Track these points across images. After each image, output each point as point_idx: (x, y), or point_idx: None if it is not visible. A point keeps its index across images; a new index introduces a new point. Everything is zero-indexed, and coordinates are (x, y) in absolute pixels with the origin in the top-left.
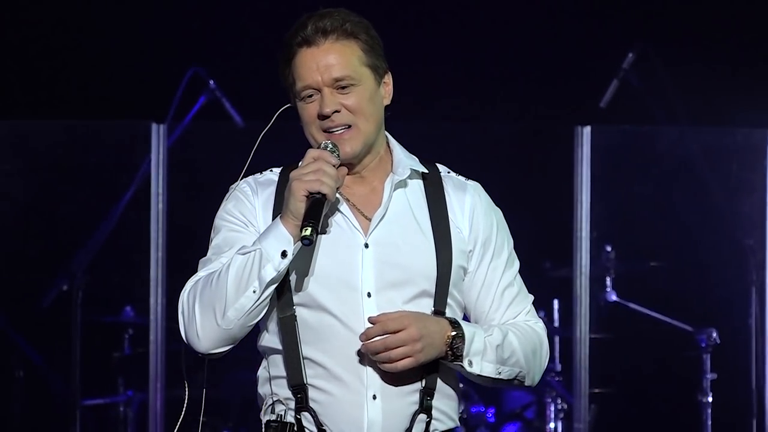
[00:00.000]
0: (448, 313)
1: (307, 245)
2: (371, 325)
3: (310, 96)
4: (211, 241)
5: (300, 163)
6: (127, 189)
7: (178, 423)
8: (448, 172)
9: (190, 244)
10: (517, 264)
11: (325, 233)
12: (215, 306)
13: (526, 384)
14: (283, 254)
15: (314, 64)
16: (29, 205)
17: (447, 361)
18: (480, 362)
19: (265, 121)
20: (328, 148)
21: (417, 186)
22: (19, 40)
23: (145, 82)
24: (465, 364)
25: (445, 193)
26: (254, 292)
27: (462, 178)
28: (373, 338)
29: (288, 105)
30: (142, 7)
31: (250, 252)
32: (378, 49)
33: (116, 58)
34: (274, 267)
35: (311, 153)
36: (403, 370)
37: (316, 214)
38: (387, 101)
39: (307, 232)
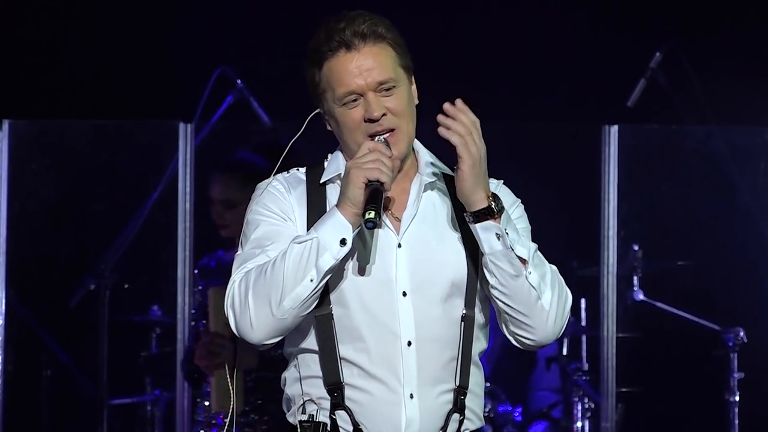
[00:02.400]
0: (476, 312)
1: (371, 228)
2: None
3: (354, 101)
4: (247, 236)
5: (356, 155)
6: (155, 188)
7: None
8: None
9: (217, 244)
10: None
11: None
12: (270, 296)
13: (546, 317)
14: (342, 242)
15: (356, 68)
16: (57, 205)
17: (482, 210)
18: (516, 243)
19: (293, 121)
20: (381, 141)
21: (442, 186)
22: (48, 40)
23: (172, 82)
24: (502, 226)
25: None
26: (311, 280)
27: None
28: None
29: (317, 110)
30: (170, 7)
31: (306, 241)
32: (406, 49)
33: (144, 57)
34: (332, 255)
35: (367, 144)
36: (456, 138)
37: (377, 199)
38: (416, 100)
39: (372, 214)
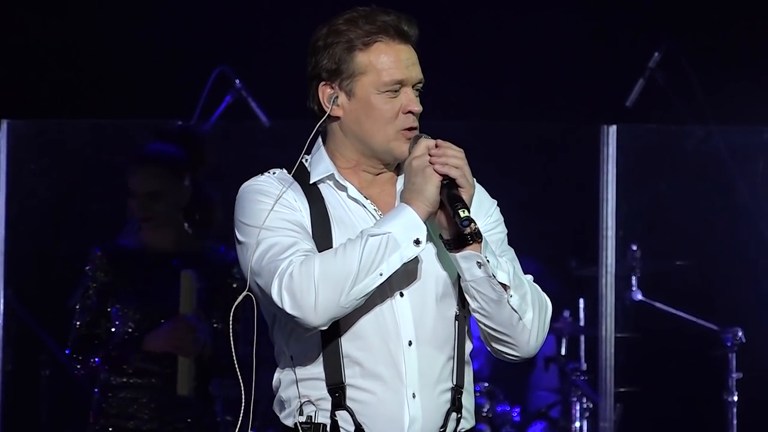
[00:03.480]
0: (467, 309)
1: (467, 225)
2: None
3: (396, 91)
4: (253, 225)
5: (415, 153)
6: None
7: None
8: None
9: (215, 241)
10: (513, 252)
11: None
12: (340, 282)
13: (526, 334)
14: (417, 242)
15: (407, 59)
16: (56, 204)
17: (463, 237)
18: (496, 268)
19: (291, 121)
20: (428, 138)
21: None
22: (47, 40)
23: (171, 82)
24: (483, 255)
25: None
26: (381, 275)
27: None
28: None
29: (333, 94)
30: (170, 7)
31: (381, 234)
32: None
33: (143, 57)
34: (406, 254)
35: (425, 142)
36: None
37: (460, 197)
38: None
39: (467, 213)
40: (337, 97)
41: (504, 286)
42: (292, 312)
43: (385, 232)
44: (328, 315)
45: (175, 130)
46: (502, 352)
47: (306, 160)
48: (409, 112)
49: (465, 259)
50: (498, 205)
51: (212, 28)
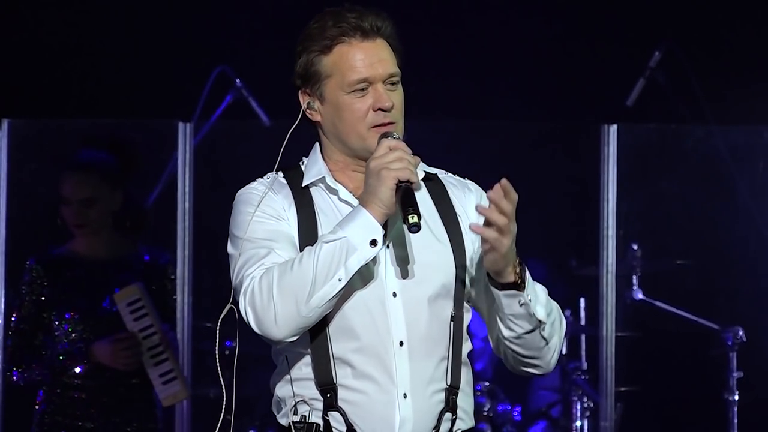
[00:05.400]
0: (464, 312)
1: (416, 232)
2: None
3: (363, 90)
4: (240, 236)
5: (376, 153)
6: (154, 188)
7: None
8: (446, 173)
9: (216, 243)
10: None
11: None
12: (297, 293)
13: (548, 356)
14: (373, 243)
15: (371, 56)
16: (57, 204)
17: (510, 282)
18: (535, 303)
19: (292, 120)
20: (398, 138)
21: (422, 187)
22: (47, 40)
23: (171, 81)
24: (525, 296)
25: (449, 193)
26: (340, 280)
27: (459, 178)
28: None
29: (308, 101)
30: (170, 6)
31: (335, 240)
32: (401, 51)
33: (143, 57)
34: (363, 256)
35: (387, 143)
36: (489, 236)
37: (414, 202)
38: None
39: (415, 219)
40: (312, 102)
41: (540, 320)
42: (256, 328)
43: (340, 237)
44: (291, 327)
45: (106, 137)
46: (524, 370)
47: (303, 163)
48: (380, 108)
49: (508, 297)
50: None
51: (212, 28)
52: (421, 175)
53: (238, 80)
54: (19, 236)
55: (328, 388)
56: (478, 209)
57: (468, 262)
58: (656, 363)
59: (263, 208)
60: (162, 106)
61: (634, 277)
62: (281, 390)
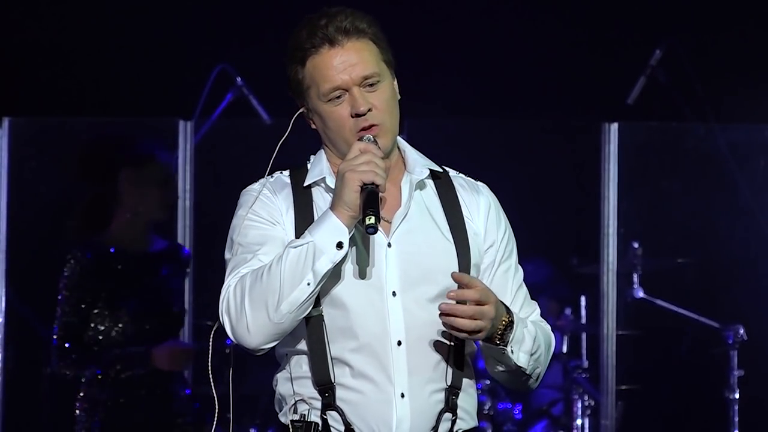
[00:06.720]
0: None
1: (372, 233)
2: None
3: (339, 97)
4: (235, 240)
5: (347, 156)
6: None
7: (214, 423)
8: (457, 173)
9: (216, 241)
10: (521, 268)
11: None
12: (267, 300)
13: (530, 383)
14: (339, 245)
15: (340, 64)
16: (57, 203)
17: (491, 344)
18: (518, 351)
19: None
20: (371, 141)
21: (429, 186)
22: (48, 38)
23: (172, 80)
24: (508, 350)
25: (458, 194)
26: (308, 284)
27: (470, 179)
28: (452, 300)
29: (301, 110)
30: (170, 5)
31: (302, 245)
32: (387, 44)
33: (144, 55)
34: (329, 259)
35: (358, 146)
36: (459, 335)
37: (375, 204)
38: (398, 96)
39: (371, 220)
40: (306, 111)
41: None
42: (231, 336)
43: (307, 241)
44: (264, 334)
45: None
46: (508, 389)
47: (310, 161)
48: (356, 114)
49: (489, 348)
50: (503, 210)
51: (213, 27)
52: (426, 173)
53: (238, 78)
54: (20, 234)
55: (326, 387)
56: (449, 295)
57: (472, 261)
58: (657, 361)
59: (258, 212)
60: (163, 104)
61: (635, 276)
62: (282, 388)
